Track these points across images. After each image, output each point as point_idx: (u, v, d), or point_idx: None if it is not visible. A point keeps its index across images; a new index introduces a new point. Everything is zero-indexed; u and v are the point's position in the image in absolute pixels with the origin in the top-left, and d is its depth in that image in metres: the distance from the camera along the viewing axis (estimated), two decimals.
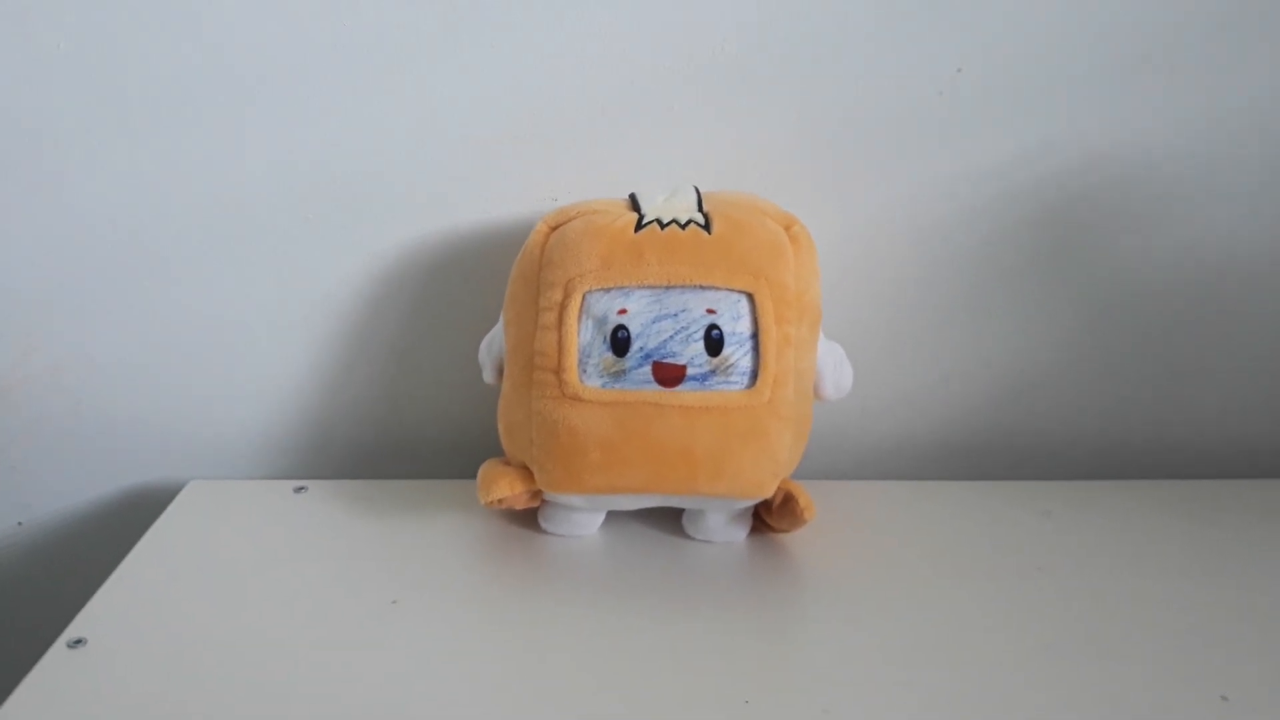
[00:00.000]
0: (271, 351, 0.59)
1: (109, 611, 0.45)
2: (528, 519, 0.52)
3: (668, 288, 0.45)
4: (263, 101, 0.54)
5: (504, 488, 0.47)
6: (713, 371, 0.45)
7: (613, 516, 0.52)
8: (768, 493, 0.47)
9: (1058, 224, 0.58)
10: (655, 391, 0.45)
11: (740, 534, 0.50)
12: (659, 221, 0.46)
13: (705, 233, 0.46)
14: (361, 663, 0.41)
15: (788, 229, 0.48)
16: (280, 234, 0.57)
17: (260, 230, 0.57)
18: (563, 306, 0.46)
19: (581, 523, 0.51)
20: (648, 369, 0.45)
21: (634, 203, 0.49)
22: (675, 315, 0.45)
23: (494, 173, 0.56)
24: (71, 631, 0.43)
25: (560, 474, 0.46)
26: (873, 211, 0.57)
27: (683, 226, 0.46)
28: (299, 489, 0.56)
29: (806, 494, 0.47)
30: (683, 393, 0.45)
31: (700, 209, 0.48)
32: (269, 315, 0.58)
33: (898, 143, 0.56)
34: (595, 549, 0.50)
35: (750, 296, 0.45)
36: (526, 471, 0.48)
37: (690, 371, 0.45)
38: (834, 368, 0.51)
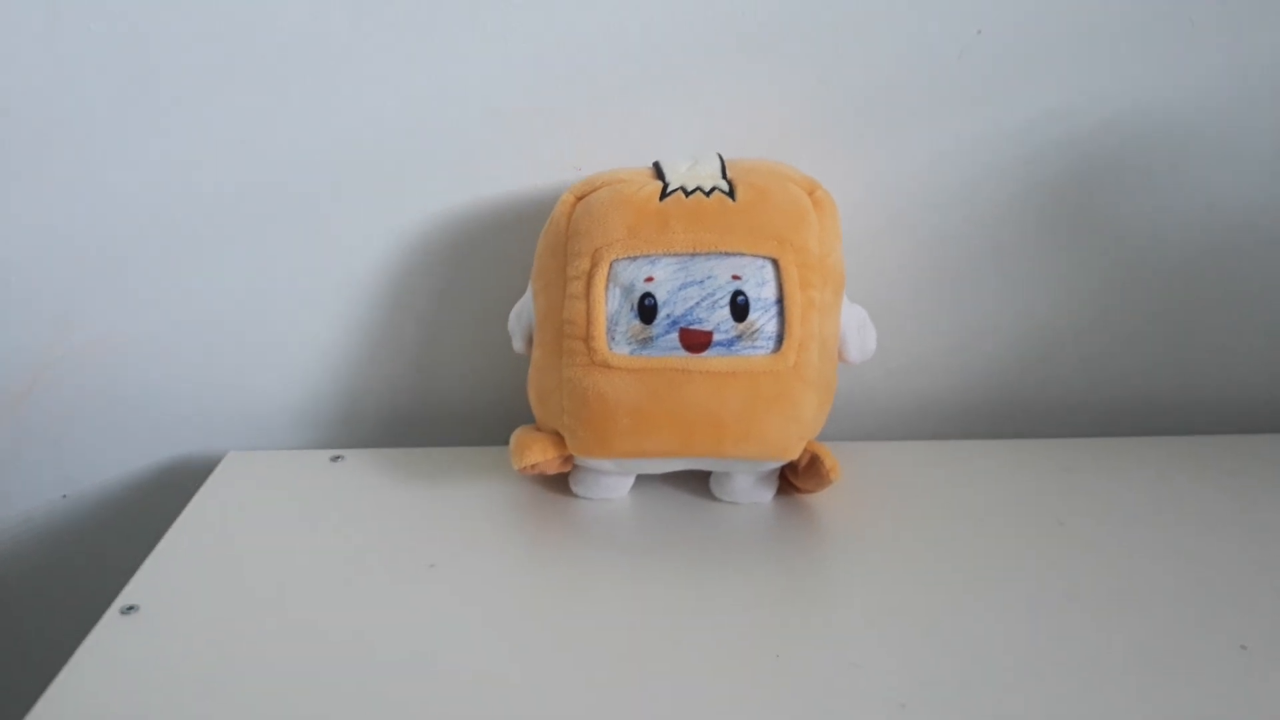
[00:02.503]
0: (305, 325, 0.60)
1: (159, 578, 0.46)
2: (559, 484, 0.53)
3: (693, 255, 0.46)
4: (291, 79, 0.55)
5: (536, 453, 0.48)
6: (739, 337, 0.46)
7: (642, 480, 0.53)
8: (794, 455, 0.48)
9: (1078, 185, 0.58)
10: (682, 358, 0.46)
11: (767, 495, 0.51)
12: (684, 190, 0.47)
13: (730, 200, 0.47)
14: (401, 624, 0.42)
15: (810, 194, 0.49)
16: (311, 209, 0.58)
17: (291, 206, 0.57)
18: (590, 276, 0.46)
19: (612, 486, 0.52)
20: (675, 335, 0.46)
21: (658, 171, 0.49)
22: (701, 282, 0.46)
23: (519, 144, 0.56)
24: (124, 598, 0.44)
25: (591, 439, 0.47)
26: (894, 175, 0.58)
27: (707, 194, 0.47)
28: (335, 458, 0.57)
29: (832, 455, 0.48)
30: (709, 358, 0.46)
31: (724, 176, 0.48)
32: (302, 289, 0.59)
33: (918, 106, 0.56)
34: (625, 512, 0.51)
35: (775, 262, 0.46)
36: (558, 437, 0.49)
37: (717, 337, 0.46)
38: (857, 331, 0.51)
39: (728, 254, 0.46)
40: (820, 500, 0.52)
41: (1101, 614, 0.42)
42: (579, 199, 0.49)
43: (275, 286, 0.59)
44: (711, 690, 0.38)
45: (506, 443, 0.52)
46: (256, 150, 0.56)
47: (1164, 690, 0.38)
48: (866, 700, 0.37)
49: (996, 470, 0.56)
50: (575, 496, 0.52)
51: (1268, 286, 0.61)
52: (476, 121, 0.56)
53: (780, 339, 0.46)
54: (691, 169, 0.49)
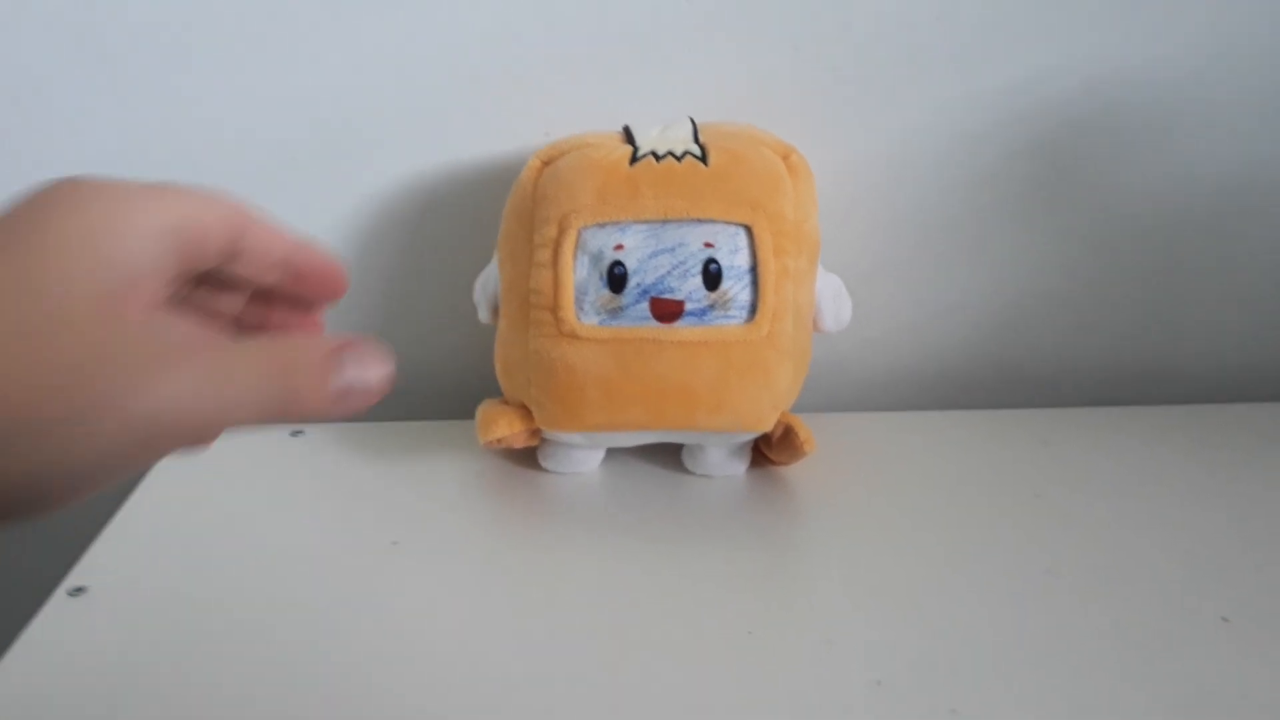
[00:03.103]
0: None
1: (109, 559, 0.44)
2: (527, 458, 0.52)
3: (664, 222, 0.45)
4: (247, 40, 0.52)
5: (503, 427, 0.47)
6: (711, 306, 0.44)
7: (612, 453, 0.52)
8: (767, 426, 0.47)
9: (1058, 151, 0.57)
10: (653, 328, 0.44)
11: (740, 468, 0.50)
12: (654, 154, 0.45)
13: (702, 165, 0.45)
14: (363, 603, 0.41)
15: (785, 158, 0.47)
16: (268, 176, 0.55)
17: (248, 173, 0.55)
18: (557, 243, 0.45)
19: (581, 460, 0.50)
20: (645, 305, 0.44)
21: (629, 136, 0.48)
22: (672, 250, 0.44)
23: (486, 108, 0.54)
24: (72, 580, 0.43)
25: (559, 412, 0.46)
26: (869, 143, 0.56)
27: (679, 159, 0.45)
28: (295, 433, 0.55)
29: (806, 427, 0.47)
30: (681, 329, 0.44)
31: (696, 140, 0.47)
32: None
33: (894, 72, 0.55)
34: (595, 486, 0.50)
35: (748, 229, 0.45)
36: (525, 410, 0.47)
37: (689, 307, 0.44)
38: (833, 299, 0.50)
39: (700, 221, 0.44)
40: (795, 473, 0.51)
41: (1080, 587, 0.42)
42: (546, 164, 0.47)
43: None
44: (682, 669, 0.37)
45: (473, 417, 0.50)
46: (212, 118, 0.54)
47: (1145, 664, 0.37)
48: (841, 678, 0.37)
49: (973, 442, 0.55)
50: (544, 471, 0.51)
51: (1249, 254, 0.60)
52: (442, 85, 0.54)
53: (754, 308, 0.45)
54: (663, 133, 0.47)
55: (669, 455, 0.52)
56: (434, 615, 0.41)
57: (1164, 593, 0.41)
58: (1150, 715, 0.35)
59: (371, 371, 0.26)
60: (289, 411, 0.25)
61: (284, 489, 0.51)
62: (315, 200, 0.56)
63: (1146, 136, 0.57)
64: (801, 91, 0.55)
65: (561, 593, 0.42)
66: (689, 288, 0.44)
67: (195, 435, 0.24)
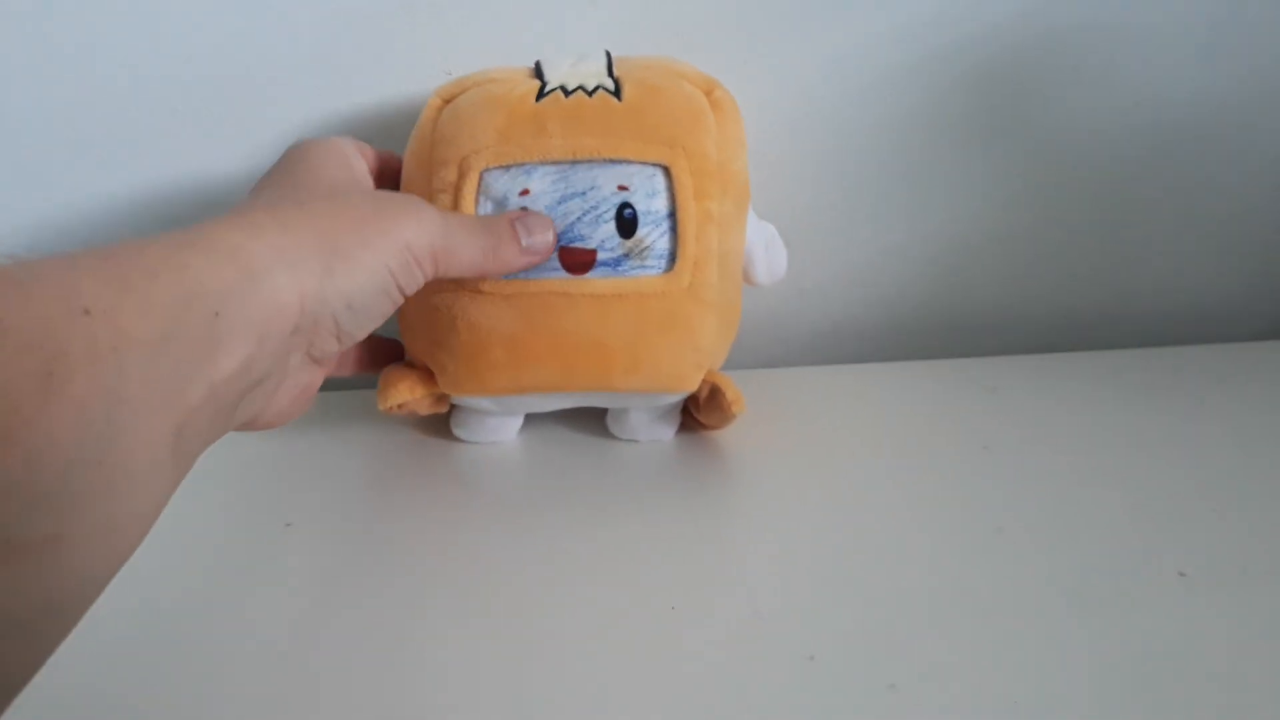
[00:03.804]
0: None
1: None
2: (440, 428, 0.48)
3: (574, 163, 0.40)
4: None
5: (403, 391, 0.43)
6: (626, 255, 0.40)
7: (532, 420, 0.48)
8: (691, 386, 0.43)
9: (996, 83, 0.54)
10: (563, 280, 0.40)
11: (668, 432, 0.47)
12: (563, 89, 0.41)
13: (615, 99, 0.41)
14: (254, 591, 0.37)
15: (709, 93, 0.43)
16: (149, 129, 0.50)
17: (136, 126, 0.50)
18: (457, 188, 0.41)
19: (496, 428, 0.46)
20: (554, 255, 0.40)
21: (538, 71, 0.44)
22: (583, 194, 0.40)
23: (382, 47, 0.49)
24: None
25: (462, 374, 0.42)
26: (799, 76, 0.52)
27: (590, 93, 0.41)
28: None
29: (735, 386, 0.43)
30: (593, 280, 0.40)
31: (610, 74, 0.43)
32: (143, 218, 0.52)
33: (817, 2, 0.51)
34: (512, 455, 0.46)
35: (666, 169, 0.41)
36: (428, 373, 0.43)
37: (601, 256, 0.40)
38: (765, 249, 0.46)
39: (612, 161, 0.40)
40: (726, 435, 0.47)
41: (1031, 544, 0.39)
42: (446, 101, 0.43)
43: (114, 219, 0.52)
44: (601, 646, 0.34)
45: (374, 385, 0.46)
46: (82, 70, 0.49)
47: (1099, 621, 0.35)
48: (771, 653, 0.34)
49: (915, 394, 0.52)
50: (458, 441, 0.47)
51: (1202, 189, 0.57)
52: (334, 23, 0.49)
53: (673, 257, 0.41)
54: (574, 67, 0.43)
55: (594, 420, 0.48)
56: (333, 599, 0.37)
57: (1117, 547, 0.39)
58: (1107, 677, 0.32)
59: (546, 233, 0.40)
60: (490, 265, 0.38)
61: None
62: (202, 155, 0.52)
63: (1092, 63, 0.54)
64: (725, 20, 0.51)
65: (474, 569, 0.38)
66: (601, 235, 0.40)
67: (433, 263, 0.36)
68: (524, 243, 0.38)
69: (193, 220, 0.53)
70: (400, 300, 0.35)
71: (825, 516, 0.41)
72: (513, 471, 0.45)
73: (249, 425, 0.33)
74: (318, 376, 0.36)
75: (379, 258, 0.33)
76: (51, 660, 0.32)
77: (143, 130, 0.50)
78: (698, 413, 0.45)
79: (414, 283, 0.35)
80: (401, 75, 0.50)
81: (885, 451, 0.47)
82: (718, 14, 0.51)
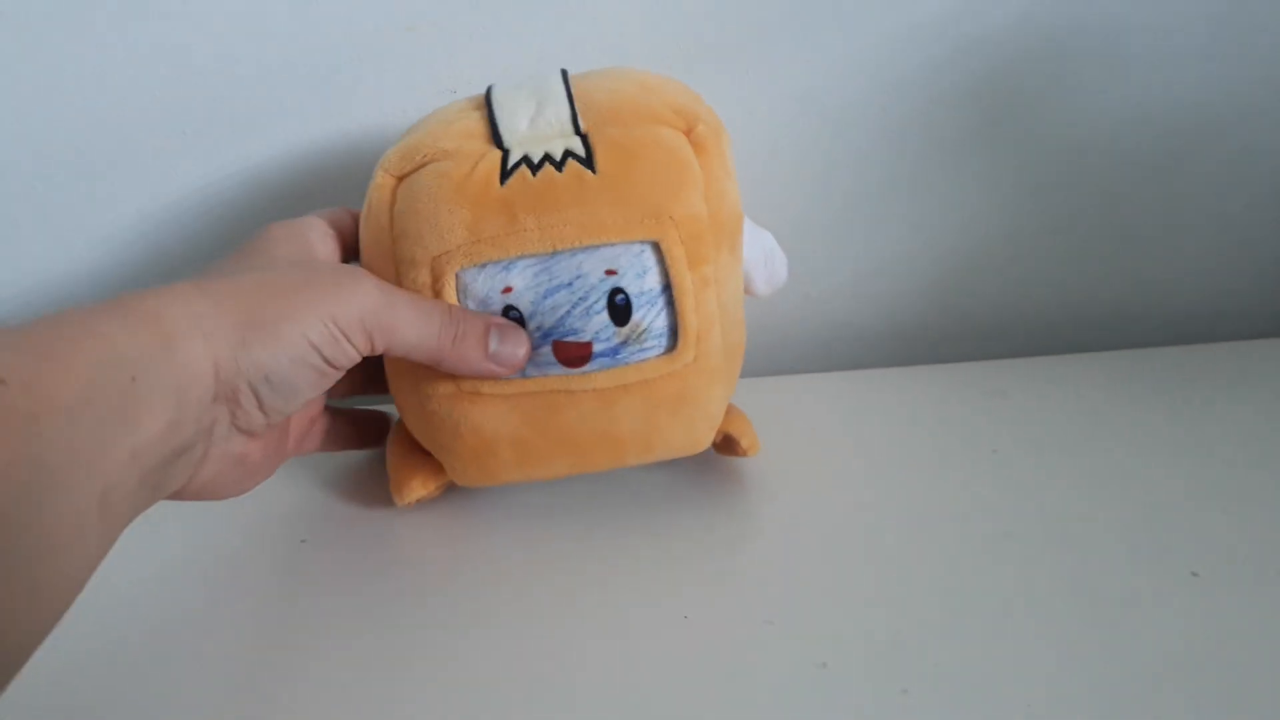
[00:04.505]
0: (146, 278, 0.52)
1: None
2: None
3: (554, 254, 0.37)
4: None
5: (418, 489, 0.42)
6: (624, 343, 0.38)
7: None
8: (705, 446, 0.42)
9: (1001, 85, 0.50)
10: (563, 376, 0.38)
11: None
12: (528, 162, 0.37)
13: (588, 171, 0.37)
14: (273, 607, 0.38)
15: (690, 132, 0.39)
16: (153, 150, 0.49)
17: (128, 151, 0.48)
18: (435, 291, 0.37)
19: None
20: (549, 349, 0.38)
21: (491, 120, 0.38)
22: (569, 285, 0.37)
23: (385, 65, 0.47)
24: None
25: (473, 472, 0.40)
26: (797, 87, 0.49)
27: (559, 166, 0.37)
28: None
29: (750, 431, 0.42)
30: (594, 374, 0.38)
31: (577, 129, 0.38)
32: (137, 241, 0.51)
33: (819, 8, 0.47)
34: None
35: (655, 245, 0.37)
36: (436, 464, 0.42)
37: (598, 348, 0.38)
38: (765, 262, 0.43)
39: (596, 246, 0.37)
40: None
41: (1041, 547, 0.39)
42: (399, 180, 0.39)
43: (112, 250, 0.51)
44: (616, 658, 0.35)
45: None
46: (81, 92, 0.47)
47: (1112, 624, 0.35)
48: (783, 661, 0.34)
49: (923, 398, 0.51)
50: None
51: (1204, 187, 0.54)
52: (333, 41, 0.46)
53: (673, 333, 0.38)
54: (534, 121, 0.38)
55: None
56: (346, 615, 0.38)
57: (1129, 548, 0.39)
58: (1120, 679, 0.33)
59: (518, 348, 0.37)
60: (447, 354, 0.36)
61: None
62: (195, 179, 0.50)
63: (1090, 68, 0.50)
64: (721, 33, 0.47)
65: (486, 581, 0.39)
66: (595, 326, 0.37)
67: (366, 337, 0.34)
68: (491, 348, 0.36)
69: (191, 242, 0.51)
70: (331, 373, 0.34)
71: (835, 523, 0.41)
72: (524, 485, 0.44)
73: (182, 494, 0.33)
74: (254, 449, 0.36)
75: (297, 328, 0.32)
76: (69, 675, 0.35)
77: (132, 151, 0.49)
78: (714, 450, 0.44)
79: (343, 356, 0.34)
80: (404, 93, 0.47)
81: (894, 457, 0.46)
82: (719, 24, 0.47)
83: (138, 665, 0.35)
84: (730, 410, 0.43)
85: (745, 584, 0.38)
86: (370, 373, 0.41)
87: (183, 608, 0.38)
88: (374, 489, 0.45)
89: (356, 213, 0.41)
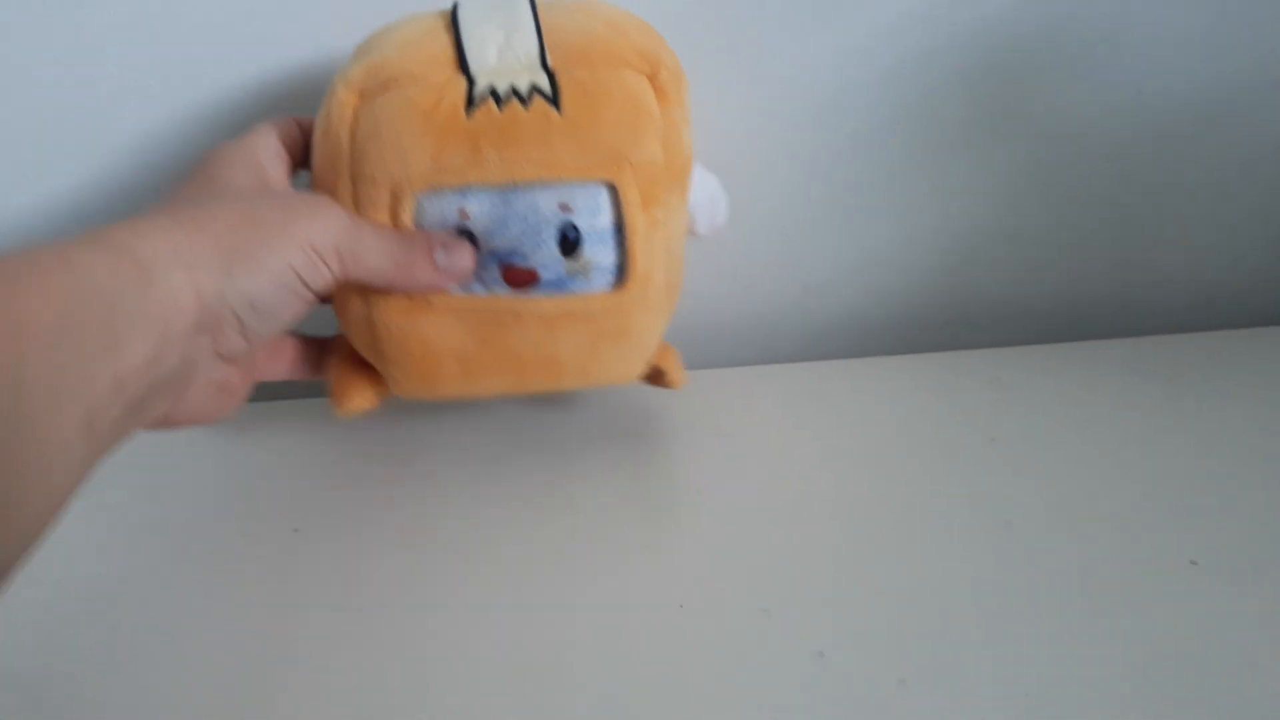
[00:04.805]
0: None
1: None
2: (449, 430, 0.48)
3: (513, 187, 0.38)
4: None
5: (357, 399, 0.43)
6: (570, 275, 0.40)
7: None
8: (637, 378, 0.44)
9: (1001, 74, 0.51)
10: (511, 298, 0.40)
11: None
12: (495, 94, 0.38)
13: (553, 109, 0.38)
14: (265, 596, 0.39)
15: (653, 78, 0.40)
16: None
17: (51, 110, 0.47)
18: (394, 212, 0.38)
19: None
20: (497, 269, 0.39)
21: (459, 46, 0.39)
22: (524, 217, 0.38)
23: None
24: None
25: (415, 384, 0.42)
26: (803, 71, 0.50)
27: (525, 102, 0.38)
28: None
29: (678, 364, 0.45)
30: (540, 299, 0.40)
31: (544, 64, 0.39)
32: (41, 215, 0.49)
33: None
34: (515, 453, 0.47)
35: (611, 186, 0.39)
36: (376, 376, 0.43)
37: (544, 276, 0.39)
38: (709, 204, 0.45)
39: (553, 183, 0.38)
40: (731, 429, 0.48)
41: (1040, 536, 0.40)
42: (361, 98, 0.39)
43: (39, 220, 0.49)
44: (611, 645, 0.35)
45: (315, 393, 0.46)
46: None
47: (1111, 612, 0.36)
48: (780, 650, 0.35)
49: (921, 387, 0.51)
50: (462, 442, 0.47)
51: (1204, 176, 0.56)
52: None
53: (620, 270, 0.40)
54: (503, 52, 0.39)
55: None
56: (339, 604, 0.38)
57: (1128, 538, 0.39)
58: (1119, 668, 0.33)
59: (463, 258, 0.39)
60: (401, 274, 0.38)
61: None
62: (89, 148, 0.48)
63: (1093, 56, 0.51)
64: (715, 20, 0.47)
65: (481, 570, 0.40)
66: (544, 256, 0.39)
67: (339, 261, 0.36)
68: (440, 261, 0.38)
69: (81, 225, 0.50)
70: (309, 298, 0.36)
71: (833, 512, 0.42)
72: (517, 474, 0.46)
73: (167, 421, 0.35)
74: (233, 375, 0.37)
75: (281, 256, 0.33)
76: (60, 663, 0.35)
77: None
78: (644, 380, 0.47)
79: (320, 280, 0.35)
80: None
81: (892, 446, 0.47)
82: (720, 6, 0.46)
83: (130, 652, 0.35)
84: (661, 344, 0.45)
85: (741, 572, 0.39)
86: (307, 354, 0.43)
87: (176, 596, 0.39)
88: (367, 479, 0.46)
89: (306, 121, 0.41)
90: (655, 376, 0.45)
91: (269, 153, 0.39)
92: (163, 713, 0.34)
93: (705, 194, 0.45)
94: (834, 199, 0.55)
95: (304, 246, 0.34)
